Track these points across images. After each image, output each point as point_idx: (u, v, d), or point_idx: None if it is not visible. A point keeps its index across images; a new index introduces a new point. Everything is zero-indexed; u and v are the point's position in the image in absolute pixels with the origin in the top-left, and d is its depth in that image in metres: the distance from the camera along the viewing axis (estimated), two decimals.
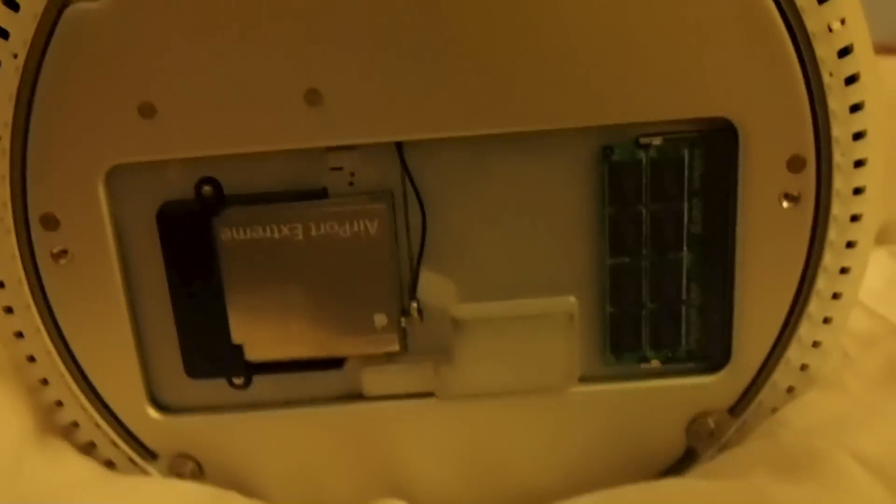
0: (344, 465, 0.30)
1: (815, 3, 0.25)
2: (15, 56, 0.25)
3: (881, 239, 0.43)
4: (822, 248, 0.28)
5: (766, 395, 0.29)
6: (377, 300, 0.28)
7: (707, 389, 0.29)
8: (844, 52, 0.25)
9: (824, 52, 0.25)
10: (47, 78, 0.25)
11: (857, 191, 0.27)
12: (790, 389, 0.30)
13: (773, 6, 0.25)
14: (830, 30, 0.25)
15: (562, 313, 0.28)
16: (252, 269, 0.27)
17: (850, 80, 0.26)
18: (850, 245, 0.28)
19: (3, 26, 0.25)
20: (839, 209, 0.27)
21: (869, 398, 0.28)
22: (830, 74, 0.26)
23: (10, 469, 0.26)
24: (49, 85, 0.25)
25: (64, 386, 0.28)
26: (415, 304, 0.28)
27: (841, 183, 0.27)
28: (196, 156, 0.26)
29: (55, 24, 0.25)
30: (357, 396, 0.29)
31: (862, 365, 0.30)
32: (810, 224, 0.27)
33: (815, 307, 0.28)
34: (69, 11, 0.24)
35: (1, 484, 0.26)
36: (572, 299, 0.28)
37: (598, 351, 0.29)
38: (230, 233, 0.27)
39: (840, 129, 0.26)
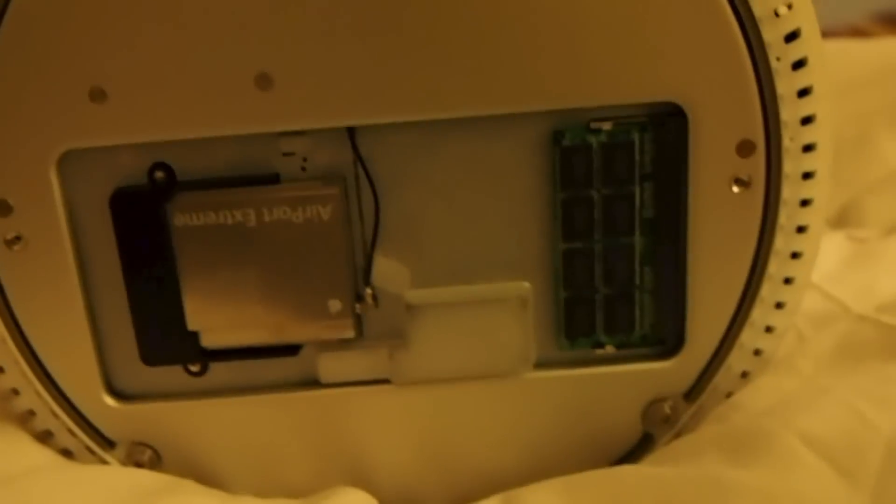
0: (301, 451, 0.30)
1: None
2: None
3: (839, 222, 0.43)
4: (772, 233, 0.28)
5: (720, 380, 0.30)
6: (331, 286, 0.28)
7: (662, 374, 0.30)
8: (792, 36, 0.26)
9: (771, 36, 0.26)
10: None
11: (807, 175, 0.27)
12: (744, 374, 0.30)
13: None
14: (777, 14, 0.25)
15: (516, 298, 0.29)
16: (206, 254, 0.27)
17: (798, 64, 0.26)
18: (801, 229, 0.28)
19: None
20: (789, 193, 0.27)
21: (819, 379, 0.29)
22: (778, 59, 0.26)
23: None
24: None
25: (19, 373, 0.28)
26: (369, 290, 0.28)
27: (790, 167, 0.27)
28: (148, 141, 0.26)
29: (6, 7, 0.25)
30: (313, 383, 0.29)
31: (814, 347, 0.31)
32: (761, 208, 0.28)
33: (768, 291, 0.29)
34: None
35: None
36: (526, 284, 0.29)
37: (552, 336, 0.29)
38: (183, 218, 0.27)
39: (788, 113, 0.26)
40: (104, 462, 0.30)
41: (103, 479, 0.28)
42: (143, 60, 0.25)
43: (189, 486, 0.29)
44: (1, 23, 0.25)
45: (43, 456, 0.29)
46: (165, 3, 0.25)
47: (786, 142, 0.27)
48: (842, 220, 0.45)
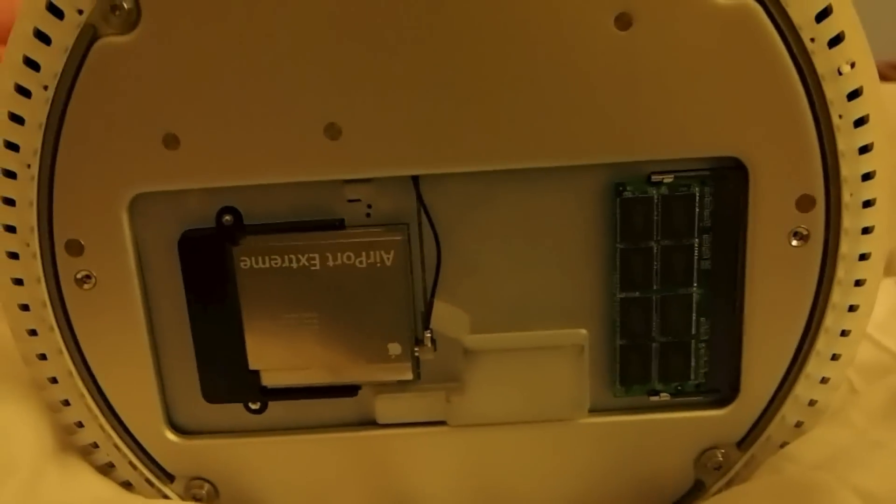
0: (355, 490, 0.31)
1: (825, 46, 0.25)
2: (45, 87, 0.26)
3: (887, 270, 0.43)
4: (830, 286, 0.28)
5: (774, 430, 0.30)
6: (391, 329, 0.28)
7: (715, 423, 0.30)
8: (854, 94, 0.26)
9: (834, 94, 0.26)
10: (76, 108, 0.26)
11: (866, 230, 0.27)
12: (798, 424, 0.30)
13: (783, 48, 0.25)
14: (840, 73, 0.26)
15: (573, 345, 0.29)
16: (269, 296, 0.28)
17: (859, 122, 0.26)
18: (858, 283, 0.28)
19: (35, 59, 0.25)
20: (848, 248, 0.27)
21: (873, 433, 0.29)
22: (840, 116, 0.26)
23: (29, 486, 0.27)
24: (77, 115, 0.26)
25: (84, 407, 0.29)
26: (428, 334, 0.29)
27: (849, 222, 0.27)
28: (217, 186, 0.27)
29: (84, 56, 0.25)
30: (370, 423, 0.30)
31: (867, 399, 0.31)
32: (819, 262, 0.28)
33: (824, 344, 0.29)
34: (98, 45, 0.25)
35: (20, 498, 0.26)
36: (583, 332, 0.29)
37: (607, 383, 0.30)
38: (249, 261, 0.27)
39: (849, 170, 0.27)
40: (163, 495, 0.30)
41: None
42: (217, 109, 0.26)
43: None
44: (81, 70, 0.25)
45: (105, 488, 0.30)
46: (239, 54, 0.25)
47: (845, 197, 0.27)
48: (890, 266, 0.45)
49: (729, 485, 0.31)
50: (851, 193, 0.27)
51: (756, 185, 0.27)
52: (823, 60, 0.25)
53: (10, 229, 0.27)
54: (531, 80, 0.26)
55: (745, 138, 0.26)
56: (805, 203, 0.27)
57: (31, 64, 0.25)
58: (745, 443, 0.30)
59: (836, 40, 0.25)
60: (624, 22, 0.25)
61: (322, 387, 0.29)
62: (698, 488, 0.31)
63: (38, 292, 0.28)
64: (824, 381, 0.29)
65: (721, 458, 0.30)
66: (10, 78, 0.26)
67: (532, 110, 0.26)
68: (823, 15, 0.25)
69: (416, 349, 0.29)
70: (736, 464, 0.30)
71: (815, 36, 0.25)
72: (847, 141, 0.26)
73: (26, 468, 0.27)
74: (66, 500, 0.28)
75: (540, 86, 0.26)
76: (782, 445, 0.30)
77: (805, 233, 0.27)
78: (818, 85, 0.26)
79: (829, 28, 0.25)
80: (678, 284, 0.28)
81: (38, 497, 0.27)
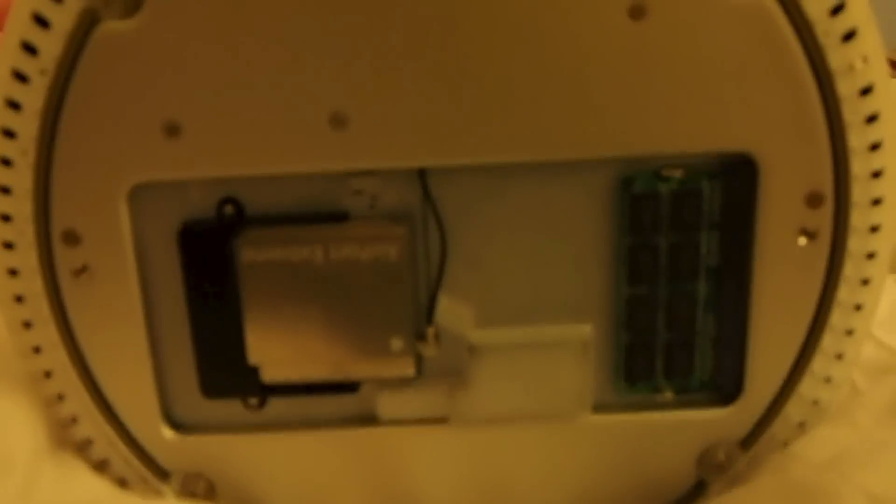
0: (356, 487, 0.30)
1: (839, 40, 0.25)
2: (43, 73, 0.25)
3: (891, 266, 0.43)
4: (836, 284, 0.28)
5: (777, 429, 0.30)
6: (394, 324, 0.28)
7: (718, 421, 0.30)
8: (866, 90, 0.26)
9: (846, 89, 0.26)
10: (75, 95, 0.25)
11: (874, 228, 0.27)
12: (802, 424, 0.30)
13: (796, 42, 0.25)
14: (853, 68, 0.25)
15: (577, 341, 0.28)
16: (271, 289, 0.27)
17: (871, 118, 0.26)
18: (865, 282, 0.28)
19: (34, 43, 0.25)
20: (855, 246, 0.27)
21: (878, 432, 0.29)
22: (852, 112, 0.26)
23: (25, 484, 0.26)
24: (76, 102, 0.25)
25: (79, 402, 0.28)
26: (431, 329, 0.28)
27: (858, 220, 0.27)
28: (219, 176, 0.26)
29: (85, 41, 0.25)
30: (371, 419, 0.29)
31: (871, 398, 0.30)
32: (826, 259, 0.27)
33: (829, 342, 0.28)
34: (99, 30, 0.25)
35: (15, 498, 0.26)
36: (588, 327, 0.29)
37: (611, 379, 0.29)
38: (250, 253, 0.27)
39: (859, 167, 0.26)
40: (158, 492, 0.30)
41: None
42: (219, 97, 0.25)
43: None
44: (81, 55, 0.25)
45: (99, 486, 0.29)
46: (243, 41, 0.25)
47: (855, 195, 0.27)
48: (892, 264, 0.45)
49: (731, 484, 0.30)
50: (861, 191, 0.27)
51: (766, 181, 0.27)
52: (837, 56, 0.25)
53: (6, 218, 0.26)
54: (540, 72, 0.25)
55: (755, 134, 0.26)
56: (814, 200, 0.27)
57: (30, 48, 0.25)
58: (748, 441, 0.30)
59: (849, 35, 0.25)
60: (637, 13, 0.25)
61: (323, 382, 0.29)
62: (700, 487, 0.31)
63: (33, 283, 0.27)
64: (828, 380, 0.29)
65: (724, 457, 0.30)
66: (8, 63, 0.25)
67: (541, 102, 0.25)
68: (838, 10, 0.25)
69: (418, 344, 0.28)
70: (738, 462, 0.30)
71: (828, 31, 0.25)
72: (858, 137, 0.26)
73: (22, 466, 0.26)
74: (61, 499, 0.27)
75: (549, 77, 0.25)
76: (785, 445, 0.30)
77: (813, 230, 0.27)
78: (830, 80, 0.26)
79: (843, 23, 0.25)
80: (685, 281, 0.28)
81: (34, 495, 0.26)
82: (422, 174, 0.27)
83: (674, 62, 0.25)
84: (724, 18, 0.25)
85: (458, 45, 0.25)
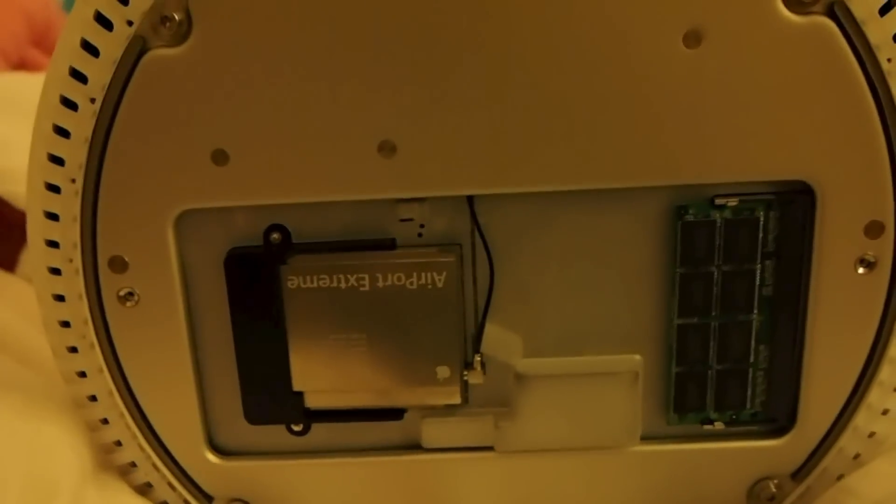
0: None
1: None
2: (92, 100, 0.25)
3: None
4: None
5: (830, 462, 0.29)
6: (441, 352, 0.27)
7: (770, 453, 0.29)
8: None
9: None
10: (123, 122, 0.25)
11: None
12: (857, 456, 0.29)
13: (858, 69, 0.24)
14: None
15: (627, 372, 0.28)
16: (316, 317, 0.27)
17: None
18: None
19: (82, 71, 0.25)
20: None
21: None
22: None
23: None
24: (124, 129, 0.25)
25: (124, 426, 0.28)
26: (478, 358, 0.28)
27: None
28: (266, 203, 0.26)
29: (133, 69, 0.25)
30: (415, 447, 0.29)
31: None
32: (886, 290, 0.27)
33: (887, 374, 0.28)
34: (147, 58, 0.24)
35: None
36: (638, 358, 0.28)
37: (661, 410, 0.29)
38: (297, 280, 0.27)
39: None
40: None
41: None
42: (268, 125, 0.25)
43: None
44: (129, 83, 0.25)
45: None
46: (292, 69, 0.24)
47: None
48: None
49: None
50: None
51: (824, 210, 0.26)
52: None
53: (53, 244, 0.26)
54: (594, 99, 0.25)
55: (814, 162, 0.25)
56: (874, 229, 0.26)
57: (78, 76, 0.25)
58: (800, 474, 0.29)
59: None
60: (693, 39, 0.24)
61: (367, 409, 0.28)
62: None
63: (79, 309, 0.27)
64: (885, 412, 0.28)
65: (775, 490, 0.29)
66: (57, 90, 0.25)
67: (593, 130, 0.25)
68: None
69: (465, 373, 0.28)
70: (791, 495, 0.29)
71: (892, 56, 0.24)
72: None
73: (68, 490, 0.26)
74: None
75: (602, 105, 0.25)
76: (839, 478, 0.29)
77: (872, 260, 0.26)
78: (893, 107, 0.25)
79: None
80: (738, 311, 0.28)
81: None
82: (470, 201, 0.26)
83: (730, 88, 0.25)
84: (784, 44, 0.24)
85: (508, 73, 0.24)
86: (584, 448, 0.29)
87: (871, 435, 0.29)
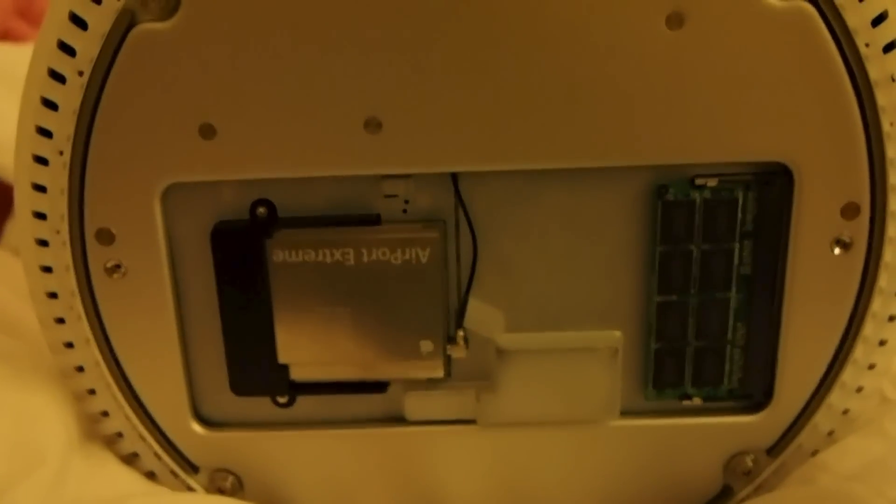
0: (382, 487, 0.30)
1: (880, 52, 0.25)
2: (80, 73, 0.25)
3: None
4: (871, 295, 0.27)
5: (806, 438, 0.29)
6: (424, 327, 0.28)
7: (746, 429, 0.29)
8: None
9: (886, 100, 0.25)
10: (111, 95, 0.25)
11: None
12: (831, 433, 0.30)
13: (836, 53, 0.25)
14: (893, 79, 0.25)
15: (606, 347, 0.28)
16: (302, 290, 0.27)
17: None
18: None
19: (71, 43, 0.25)
20: (892, 257, 0.27)
21: None
22: (891, 124, 0.25)
23: (56, 476, 0.27)
24: (112, 102, 0.25)
25: (110, 397, 0.29)
26: (461, 332, 0.28)
27: (895, 231, 0.27)
28: (253, 178, 0.26)
29: (121, 42, 0.25)
30: (398, 420, 0.30)
31: None
32: (861, 270, 0.27)
33: (861, 353, 0.28)
34: (136, 31, 0.25)
35: (47, 491, 0.26)
36: (617, 334, 0.28)
37: (639, 385, 0.29)
38: (282, 254, 0.27)
39: None
40: (188, 486, 0.30)
41: None
42: (255, 100, 0.25)
43: None
44: (117, 56, 0.25)
45: (130, 479, 0.29)
46: (280, 44, 0.25)
47: (892, 205, 0.26)
48: None
49: (757, 491, 0.30)
50: None
51: (801, 192, 0.26)
52: (877, 66, 0.25)
53: (41, 216, 0.26)
54: (577, 79, 0.25)
55: (792, 144, 0.26)
56: (850, 211, 0.26)
57: (67, 49, 0.25)
58: (775, 450, 0.30)
59: (891, 46, 0.25)
60: (675, 21, 0.24)
61: (351, 382, 0.29)
62: (726, 494, 0.31)
63: (66, 281, 0.27)
64: (860, 390, 0.29)
65: (751, 465, 0.30)
66: (45, 62, 0.25)
67: (576, 109, 0.25)
68: (880, 20, 0.24)
69: (448, 347, 0.28)
70: (765, 470, 0.30)
71: (869, 41, 0.25)
72: None
73: (54, 458, 0.27)
74: (92, 493, 0.28)
75: (585, 84, 0.25)
76: (813, 454, 0.30)
77: (848, 241, 0.27)
78: (870, 91, 0.25)
79: (885, 33, 0.25)
80: (717, 289, 0.28)
81: (65, 488, 0.27)
82: (454, 178, 0.27)
83: (711, 70, 0.25)
84: (764, 27, 0.24)
85: (493, 51, 0.25)
86: (563, 422, 0.29)
87: (845, 412, 0.29)
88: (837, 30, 0.25)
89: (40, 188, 0.26)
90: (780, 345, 0.28)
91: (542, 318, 0.28)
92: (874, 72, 0.25)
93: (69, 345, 0.28)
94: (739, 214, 0.27)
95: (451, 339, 0.28)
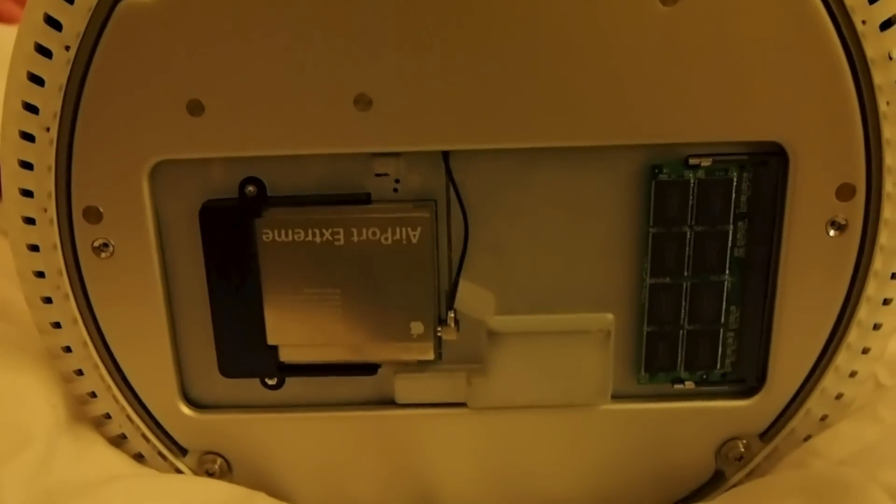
0: (371, 469, 0.30)
1: (877, 29, 0.24)
2: (67, 48, 0.25)
3: None
4: (865, 278, 0.27)
5: (798, 423, 0.29)
6: (415, 308, 0.27)
7: (739, 413, 0.29)
8: None
9: (883, 79, 0.25)
10: (97, 71, 0.25)
11: None
12: (824, 418, 0.29)
13: (833, 31, 0.24)
14: (890, 58, 0.25)
15: (599, 330, 0.28)
16: (291, 270, 0.27)
17: None
18: (894, 276, 0.27)
19: (57, 18, 0.24)
20: (887, 239, 0.27)
21: None
22: (888, 103, 0.25)
23: (43, 457, 0.26)
24: (99, 78, 0.25)
25: (98, 378, 0.28)
26: (452, 314, 0.28)
27: (890, 213, 0.26)
28: (242, 155, 0.26)
29: (108, 18, 0.24)
30: (388, 402, 0.29)
31: (895, 394, 0.30)
32: (855, 253, 0.27)
33: (855, 337, 0.28)
34: (122, 6, 0.24)
35: (33, 472, 0.26)
36: (610, 317, 0.28)
37: (632, 369, 0.29)
38: (271, 234, 0.27)
39: (893, 159, 0.26)
40: (175, 468, 0.30)
41: (179, 489, 0.28)
42: (244, 77, 0.25)
43: (261, 499, 0.29)
44: (104, 31, 0.24)
45: (116, 461, 0.29)
46: (269, 20, 0.24)
47: (888, 187, 0.26)
48: None
49: (749, 476, 0.30)
50: (894, 183, 0.26)
51: (796, 172, 0.26)
52: (874, 45, 0.25)
53: (28, 194, 0.26)
54: (570, 56, 0.25)
55: (788, 123, 0.25)
56: (845, 192, 0.26)
57: (53, 23, 0.25)
58: (768, 434, 0.30)
59: (888, 23, 0.24)
60: None
61: (341, 364, 0.29)
62: (718, 478, 0.30)
63: (54, 259, 0.27)
64: (853, 374, 0.29)
65: (743, 449, 0.30)
66: (31, 37, 0.25)
67: (568, 87, 0.25)
68: None
69: (438, 329, 0.28)
70: (758, 455, 0.30)
71: (866, 19, 0.24)
72: (893, 129, 0.25)
73: (41, 439, 0.26)
74: (79, 474, 0.27)
75: (578, 62, 0.25)
76: (806, 439, 0.30)
77: (843, 222, 0.27)
78: (867, 70, 0.25)
79: (882, 11, 0.24)
80: (710, 271, 0.28)
81: (51, 469, 0.26)
82: (446, 157, 0.26)
83: (705, 48, 0.25)
84: (760, 4, 0.24)
85: (485, 29, 0.24)
86: (555, 405, 0.29)
87: (839, 397, 0.29)
88: (834, 8, 0.24)
89: (27, 165, 0.26)
90: (774, 329, 0.28)
91: (534, 300, 0.28)
92: (871, 50, 0.25)
93: (56, 325, 0.28)
94: (734, 195, 0.27)
95: (442, 321, 0.28)
